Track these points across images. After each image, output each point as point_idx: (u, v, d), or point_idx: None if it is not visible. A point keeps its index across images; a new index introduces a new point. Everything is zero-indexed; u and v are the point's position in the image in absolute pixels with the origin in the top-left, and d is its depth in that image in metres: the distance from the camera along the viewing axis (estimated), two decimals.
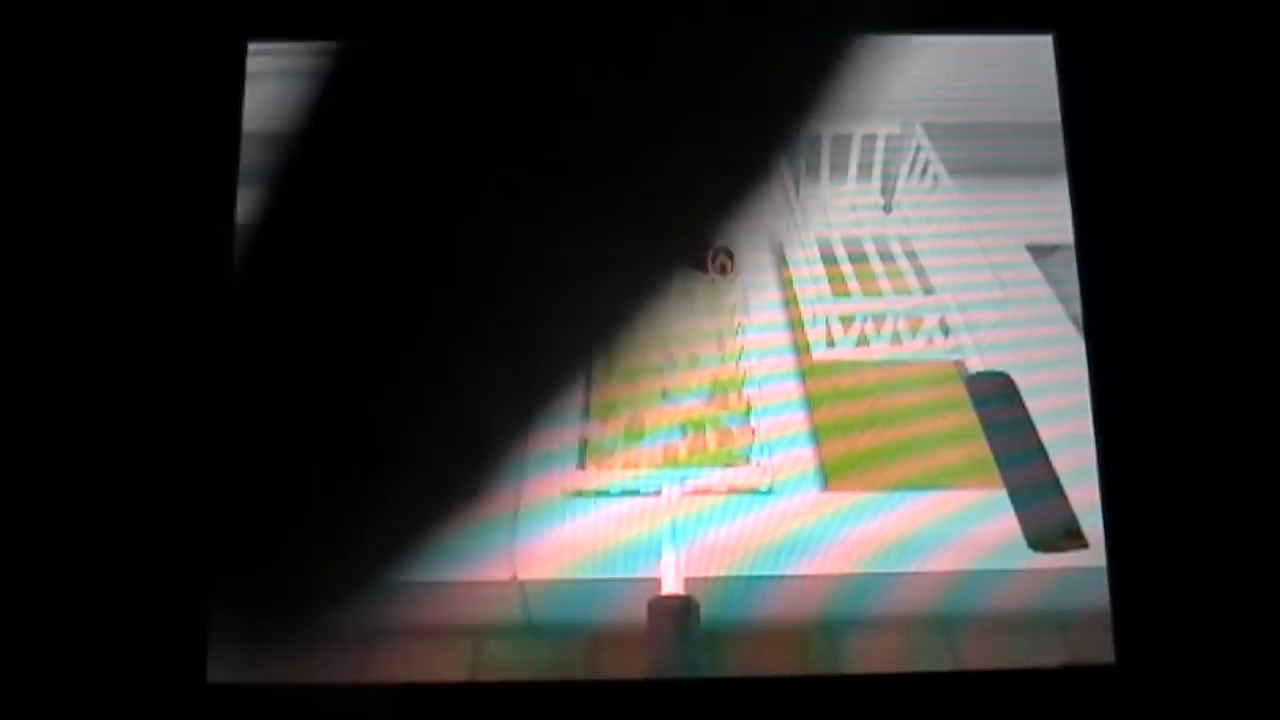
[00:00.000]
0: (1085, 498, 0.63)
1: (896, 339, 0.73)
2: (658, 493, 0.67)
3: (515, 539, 0.64)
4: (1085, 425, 0.62)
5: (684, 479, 0.68)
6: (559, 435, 0.71)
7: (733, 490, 0.67)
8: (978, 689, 0.58)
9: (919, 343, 0.73)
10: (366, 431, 0.20)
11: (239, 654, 0.50)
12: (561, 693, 0.59)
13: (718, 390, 0.73)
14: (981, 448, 0.67)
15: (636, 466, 0.69)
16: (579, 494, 0.67)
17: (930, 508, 0.64)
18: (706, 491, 0.67)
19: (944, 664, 0.61)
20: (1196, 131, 0.48)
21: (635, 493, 0.67)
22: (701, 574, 0.63)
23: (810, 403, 0.68)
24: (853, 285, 0.72)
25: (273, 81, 0.58)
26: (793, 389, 0.69)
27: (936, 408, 0.69)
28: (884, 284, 0.72)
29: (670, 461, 0.69)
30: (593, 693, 0.59)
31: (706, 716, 0.59)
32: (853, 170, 0.73)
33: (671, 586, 0.62)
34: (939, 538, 0.63)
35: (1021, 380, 0.68)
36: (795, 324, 0.70)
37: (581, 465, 0.69)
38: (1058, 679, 0.59)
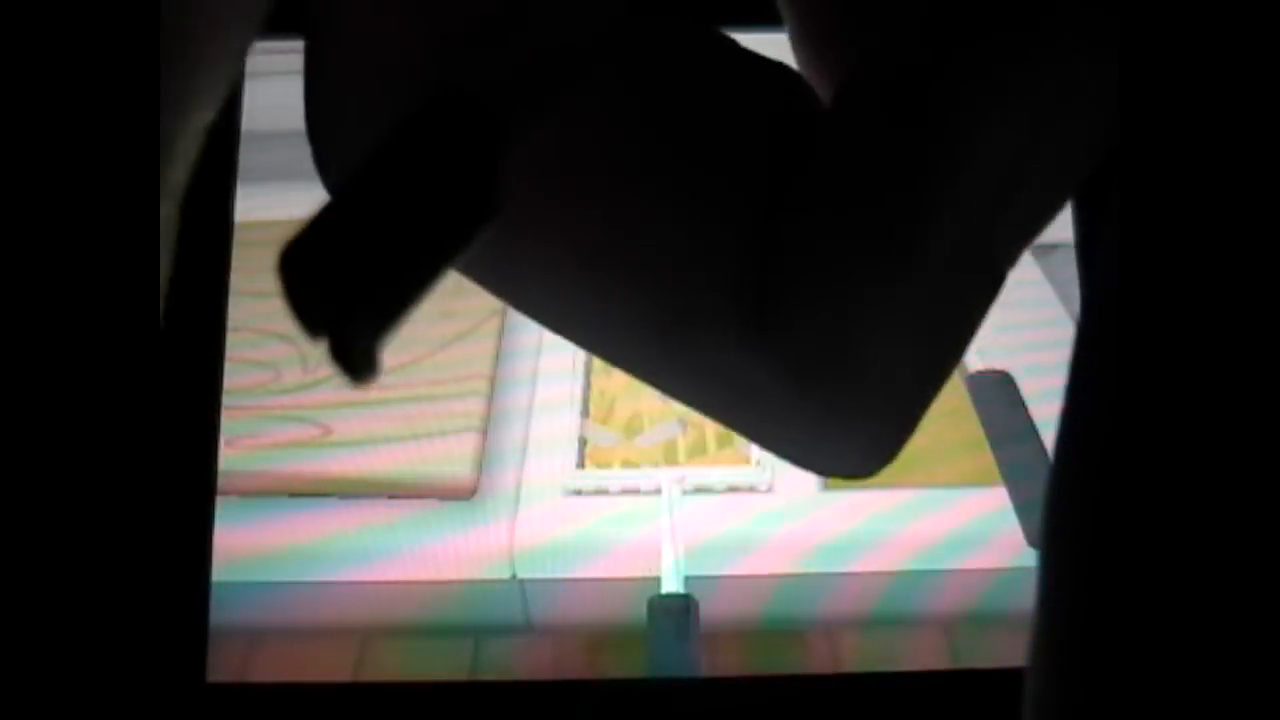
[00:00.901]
0: None
1: None
2: (657, 491, 0.67)
3: (514, 538, 0.64)
4: None
5: (684, 477, 0.68)
6: (558, 433, 0.71)
7: (733, 489, 0.67)
8: (977, 688, 0.58)
9: None
10: None
11: None
12: (561, 693, 0.59)
13: None
14: (981, 445, 0.67)
15: (636, 465, 0.69)
16: (578, 493, 0.67)
17: (930, 505, 0.64)
18: (706, 490, 0.67)
19: (944, 663, 0.61)
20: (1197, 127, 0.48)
21: (635, 491, 0.67)
22: (702, 573, 0.62)
23: None
24: None
25: (275, 82, 0.58)
26: None
27: (935, 406, 0.69)
28: None
29: (670, 460, 0.69)
30: (593, 693, 0.59)
31: (706, 716, 0.59)
32: None
33: (671, 585, 0.62)
34: (938, 535, 0.63)
35: (1021, 379, 0.68)
36: None
37: (580, 464, 0.69)
38: None
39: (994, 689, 0.58)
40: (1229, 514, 0.16)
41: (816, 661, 0.61)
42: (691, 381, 0.23)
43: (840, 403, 0.22)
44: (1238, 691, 0.15)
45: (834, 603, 0.63)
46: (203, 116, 0.19)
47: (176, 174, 0.19)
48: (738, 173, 0.22)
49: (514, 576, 0.63)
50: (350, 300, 0.17)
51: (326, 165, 0.22)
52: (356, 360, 0.17)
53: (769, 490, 0.67)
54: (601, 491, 0.67)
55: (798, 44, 0.25)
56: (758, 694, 0.59)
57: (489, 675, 0.61)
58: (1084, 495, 0.18)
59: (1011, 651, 0.61)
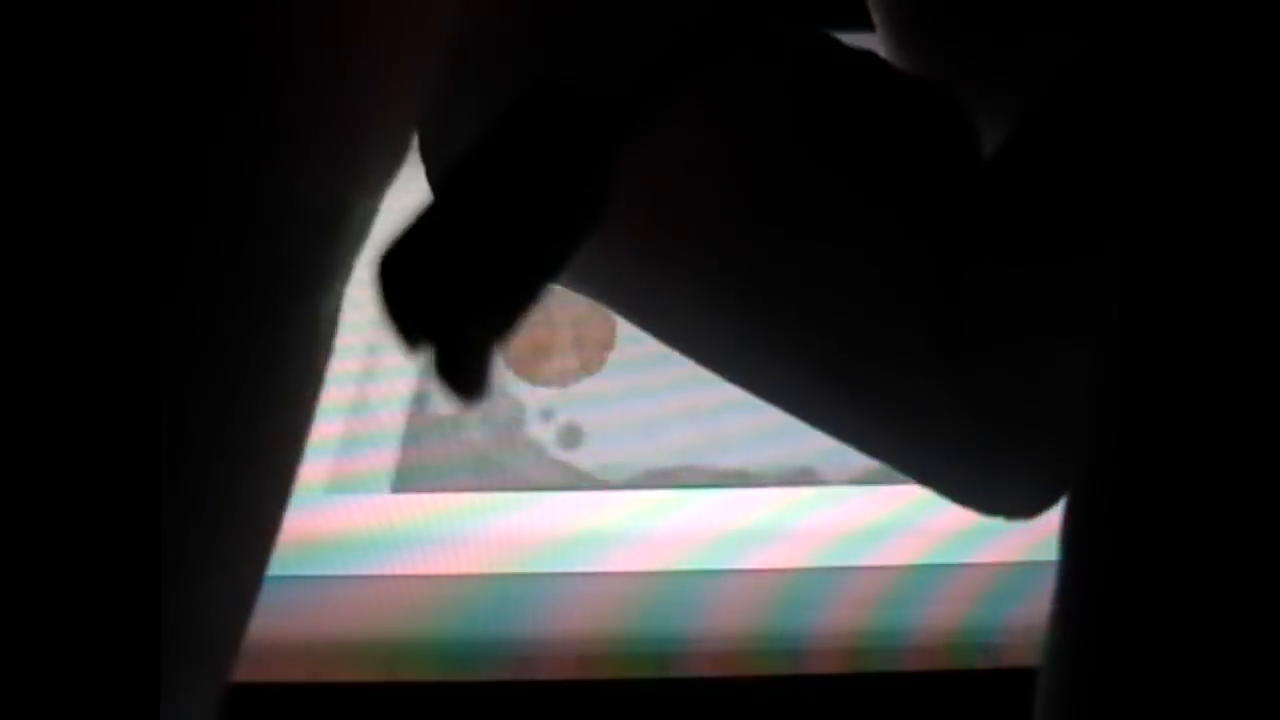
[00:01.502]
0: None
1: None
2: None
3: None
4: None
5: None
6: None
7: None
8: (977, 688, 0.58)
9: None
10: None
11: None
12: (559, 692, 0.59)
13: None
14: None
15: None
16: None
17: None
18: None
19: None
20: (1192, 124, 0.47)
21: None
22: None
23: None
24: None
25: None
26: None
27: None
28: None
29: None
30: (591, 692, 0.59)
31: (706, 716, 0.58)
32: None
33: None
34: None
35: None
36: None
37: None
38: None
39: (994, 689, 0.57)
40: (1237, 516, 0.16)
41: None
42: (861, 417, 0.23)
43: (1020, 442, 0.22)
44: (1254, 687, 0.16)
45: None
46: (379, 194, 0.18)
47: (349, 253, 0.18)
48: (914, 213, 0.22)
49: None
50: (460, 311, 0.15)
51: (430, 157, 0.21)
52: (467, 375, 0.15)
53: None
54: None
55: (889, 46, 0.25)
56: (756, 694, 0.58)
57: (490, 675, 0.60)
58: (1103, 499, 0.18)
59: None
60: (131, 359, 0.15)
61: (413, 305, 0.15)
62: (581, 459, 0.65)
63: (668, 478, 0.64)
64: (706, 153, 0.21)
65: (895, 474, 0.25)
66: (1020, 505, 0.24)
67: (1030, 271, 0.21)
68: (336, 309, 0.18)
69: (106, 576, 0.15)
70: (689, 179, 0.21)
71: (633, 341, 0.67)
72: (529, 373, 0.68)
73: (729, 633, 0.61)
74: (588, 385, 0.68)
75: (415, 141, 0.20)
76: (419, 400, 0.66)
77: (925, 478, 0.24)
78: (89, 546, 0.15)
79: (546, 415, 0.67)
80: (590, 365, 0.69)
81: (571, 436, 0.66)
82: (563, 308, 0.68)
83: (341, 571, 0.60)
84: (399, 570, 0.60)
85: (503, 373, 0.67)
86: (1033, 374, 0.22)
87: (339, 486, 0.63)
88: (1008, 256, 0.21)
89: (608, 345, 0.69)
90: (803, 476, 0.63)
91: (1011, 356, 0.21)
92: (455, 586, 0.61)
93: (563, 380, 0.68)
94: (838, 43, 0.23)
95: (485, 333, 0.16)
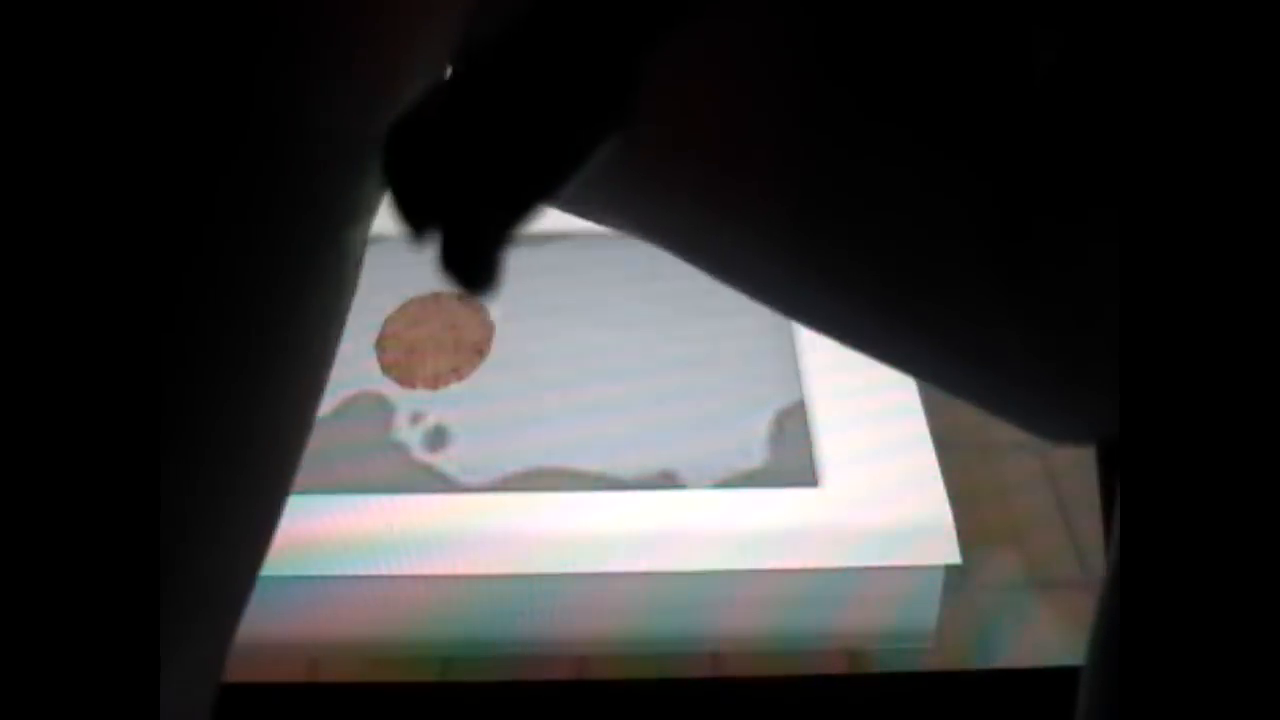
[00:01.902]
0: None
1: None
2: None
3: None
4: None
5: None
6: None
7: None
8: (976, 688, 0.58)
9: None
10: None
11: None
12: (555, 693, 0.59)
13: None
14: None
15: None
16: None
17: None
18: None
19: None
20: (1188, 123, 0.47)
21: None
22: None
23: None
24: None
25: None
26: None
27: None
28: None
29: None
30: (588, 693, 0.59)
31: (704, 716, 0.58)
32: None
33: None
34: None
35: None
36: None
37: None
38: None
39: (998, 690, 0.57)
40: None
41: None
42: (919, 349, 0.23)
43: (1077, 366, 0.22)
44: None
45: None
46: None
47: (378, 187, 0.17)
48: (975, 146, 0.21)
49: None
50: (471, 194, 0.14)
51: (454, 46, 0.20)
52: (475, 263, 0.14)
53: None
54: None
55: None
56: (755, 694, 0.58)
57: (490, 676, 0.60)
58: (1144, 490, 0.17)
59: None
60: (153, 288, 0.14)
61: (421, 185, 0.14)
62: (443, 461, 0.65)
63: (527, 481, 0.64)
64: (745, 74, 0.20)
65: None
66: (1077, 431, 0.24)
67: (1084, 220, 0.20)
68: (362, 247, 0.17)
69: (103, 515, 0.14)
70: (728, 103, 0.20)
71: (507, 343, 0.68)
72: (403, 375, 0.68)
73: (731, 633, 0.61)
74: (458, 388, 0.69)
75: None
76: None
77: (983, 403, 0.24)
78: (88, 479, 0.14)
79: (415, 418, 0.67)
80: (463, 369, 0.69)
81: (438, 438, 0.66)
82: (439, 310, 0.69)
83: (340, 572, 0.60)
84: (399, 571, 0.60)
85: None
86: (1098, 316, 0.21)
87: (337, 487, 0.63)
88: (1054, 205, 0.20)
89: (481, 349, 0.70)
90: (664, 480, 0.64)
91: (1076, 299, 0.21)
92: (455, 587, 0.61)
93: (435, 382, 0.68)
94: None
95: (497, 220, 0.15)
